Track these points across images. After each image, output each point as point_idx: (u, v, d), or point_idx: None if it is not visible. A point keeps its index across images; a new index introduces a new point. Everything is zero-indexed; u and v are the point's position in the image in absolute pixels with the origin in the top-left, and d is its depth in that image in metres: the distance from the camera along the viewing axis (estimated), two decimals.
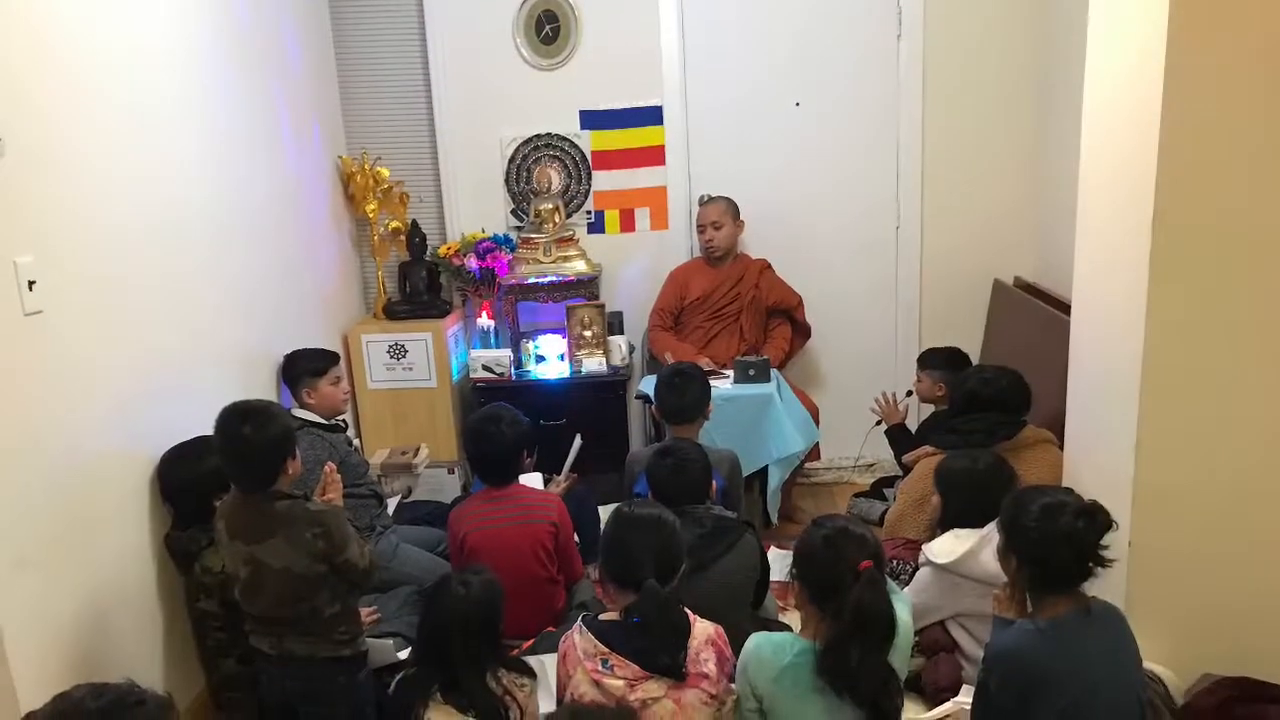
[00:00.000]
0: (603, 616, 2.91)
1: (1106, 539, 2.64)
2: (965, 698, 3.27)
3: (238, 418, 3.17)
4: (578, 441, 4.71)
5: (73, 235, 3.27)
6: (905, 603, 2.84)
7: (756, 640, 2.82)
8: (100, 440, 3.37)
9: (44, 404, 3.07)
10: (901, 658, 2.77)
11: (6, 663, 2.86)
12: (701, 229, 5.56)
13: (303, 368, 4.46)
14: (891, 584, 2.74)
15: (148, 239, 3.72)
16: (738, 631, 2.97)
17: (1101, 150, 3.35)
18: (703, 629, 2.85)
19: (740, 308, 5.55)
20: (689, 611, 2.87)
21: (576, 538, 4.08)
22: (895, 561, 3.91)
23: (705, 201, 5.61)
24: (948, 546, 3.49)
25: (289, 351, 4.61)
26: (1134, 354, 3.05)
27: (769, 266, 5.62)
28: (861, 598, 2.61)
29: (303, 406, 4.41)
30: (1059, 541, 2.65)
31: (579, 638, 2.86)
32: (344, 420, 4.60)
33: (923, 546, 3.63)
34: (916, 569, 3.70)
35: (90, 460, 3.30)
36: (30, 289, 2.98)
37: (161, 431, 3.69)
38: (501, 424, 3.93)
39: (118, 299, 3.50)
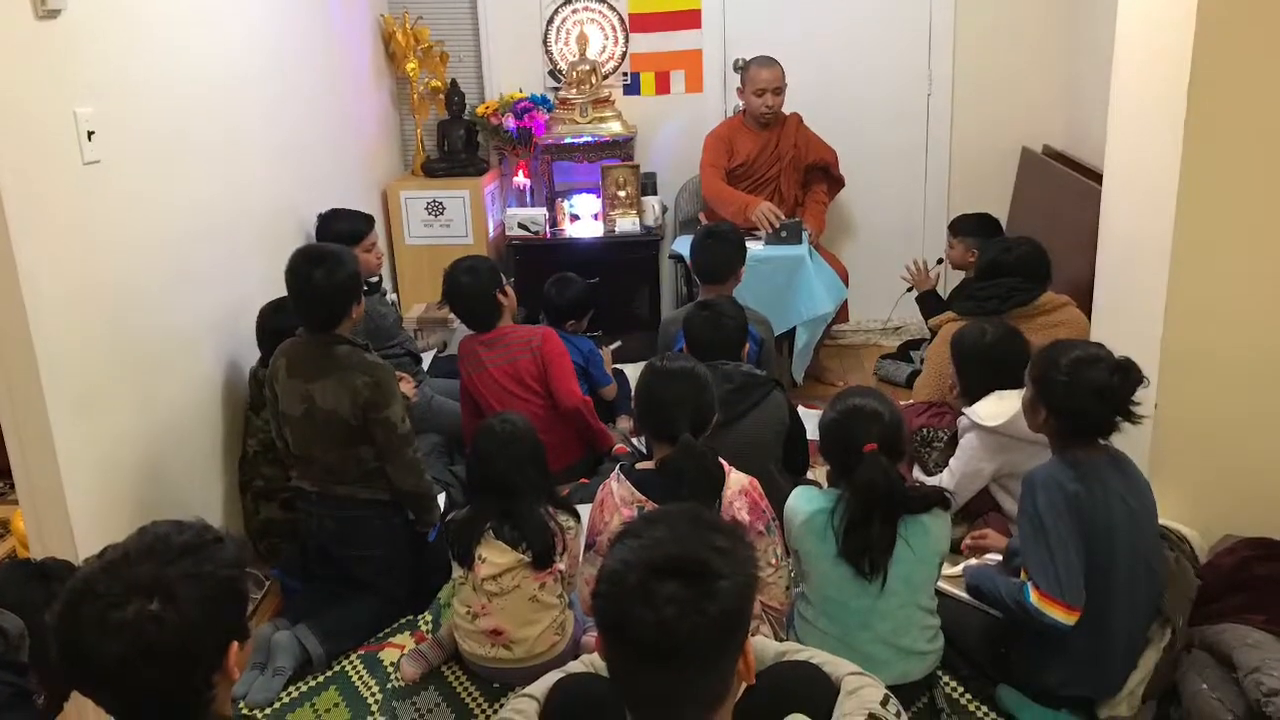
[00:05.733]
0: (639, 466, 3.00)
1: (1138, 395, 2.71)
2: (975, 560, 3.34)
3: (310, 261, 3.25)
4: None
5: (132, 87, 3.31)
6: (941, 519, 2.91)
7: (796, 491, 2.98)
8: (156, 285, 3.43)
9: (103, 249, 3.14)
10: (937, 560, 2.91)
11: (65, 504, 2.95)
12: (761, 93, 5.34)
13: (337, 232, 4.33)
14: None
15: (203, 91, 3.76)
16: (767, 484, 3.06)
17: (1137, 18, 3.33)
18: (737, 479, 2.93)
19: (781, 169, 5.46)
20: (724, 462, 2.94)
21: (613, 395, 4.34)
22: (926, 430, 3.90)
23: (742, 66, 5.46)
24: (994, 409, 3.45)
25: (324, 211, 4.54)
26: (1166, 219, 3.05)
27: (802, 120, 5.53)
28: (866, 478, 2.75)
29: None
30: (1091, 394, 2.70)
31: (617, 485, 2.94)
32: (378, 277, 4.66)
33: (964, 411, 3.57)
34: (951, 435, 3.71)
35: (147, 304, 3.37)
36: (89, 139, 3.03)
37: (211, 279, 3.76)
38: (466, 273, 4.06)
39: (173, 149, 3.55)
